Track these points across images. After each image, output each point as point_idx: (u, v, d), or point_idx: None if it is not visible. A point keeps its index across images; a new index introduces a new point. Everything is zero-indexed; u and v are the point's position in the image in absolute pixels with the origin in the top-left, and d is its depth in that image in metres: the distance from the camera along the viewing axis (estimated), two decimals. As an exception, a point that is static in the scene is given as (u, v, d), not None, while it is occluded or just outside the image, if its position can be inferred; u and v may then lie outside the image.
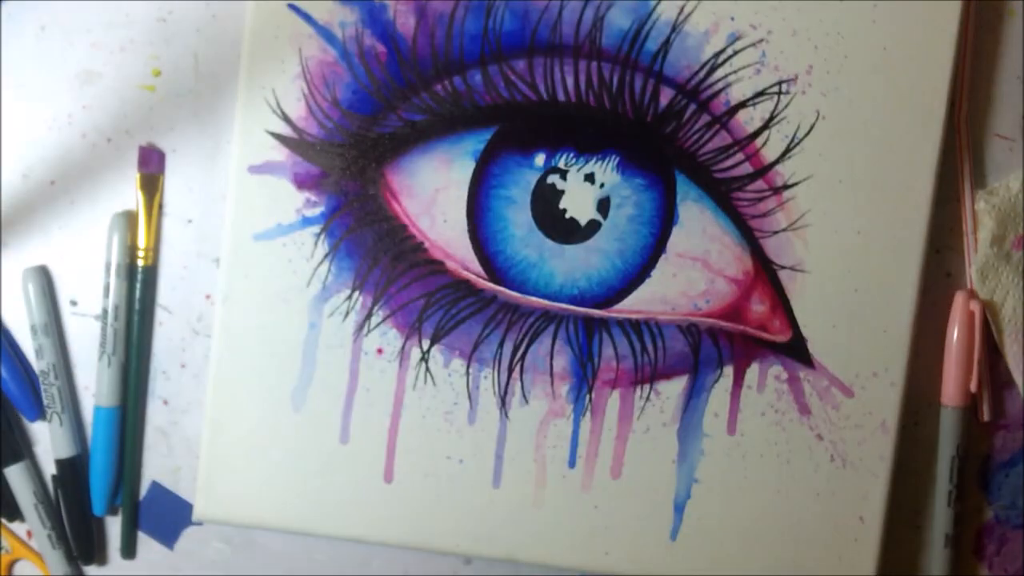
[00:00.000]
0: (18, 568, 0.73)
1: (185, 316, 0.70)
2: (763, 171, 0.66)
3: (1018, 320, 0.69)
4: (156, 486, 0.72)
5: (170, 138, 0.69)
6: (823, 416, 0.68)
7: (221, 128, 0.69)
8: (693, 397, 0.68)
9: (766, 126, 0.66)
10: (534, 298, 0.67)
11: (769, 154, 0.66)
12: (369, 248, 0.67)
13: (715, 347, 0.68)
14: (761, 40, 0.66)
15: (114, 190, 0.70)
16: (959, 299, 0.69)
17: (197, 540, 0.73)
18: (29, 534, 0.72)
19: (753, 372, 0.68)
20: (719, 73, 0.66)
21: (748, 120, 0.66)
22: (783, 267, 0.67)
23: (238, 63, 0.67)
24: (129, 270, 0.69)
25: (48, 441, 0.71)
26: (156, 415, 0.71)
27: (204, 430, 0.69)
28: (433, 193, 0.67)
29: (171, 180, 0.70)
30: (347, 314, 0.68)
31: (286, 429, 0.68)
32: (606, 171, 0.67)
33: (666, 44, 0.66)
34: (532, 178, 0.67)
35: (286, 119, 0.67)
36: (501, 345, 0.68)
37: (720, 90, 0.66)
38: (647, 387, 0.68)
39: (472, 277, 0.67)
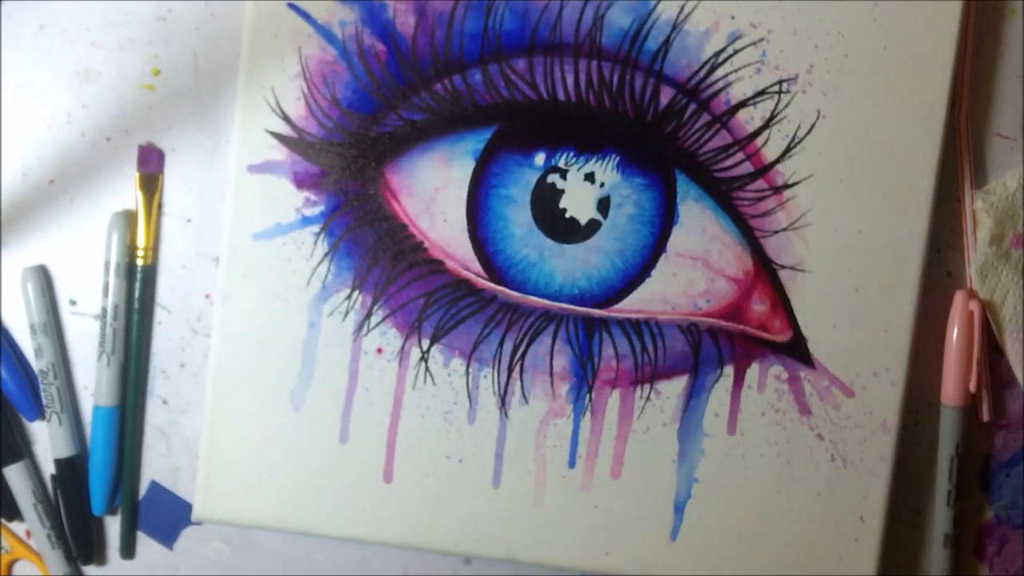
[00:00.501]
0: (18, 568, 0.73)
1: (184, 315, 0.70)
2: (763, 170, 0.66)
3: (1018, 319, 0.69)
4: (155, 486, 0.72)
5: (169, 137, 0.69)
6: (823, 416, 0.68)
7: (220, 127, 0.69)
8: (693, 397, 0.68)
9: (766, 125, 0.66)
10: (534, 298, 0.67)
11: (769, 153, 0.66)
12: (369, 247, 0.67)
13: (715, 347, 0.68)
14: (761, 39, 0.66)
15: (113, 189, 0.69)
16: (959, 298, 0.69)
17: (196, 540, 0.73)
18: (28, 534, 0.72)
19: (753, 372, 0.68)
20: (719, 72, 0.66)
21: (748, 119, 0.66)
22: (783, 267, 0.67)
23: (238, 62, 0.67)
24: (128, 269, 0.69)
25: (47, 441, 0.71)
26: (155, 415, 0.71)
27: (203, 430, 0.69)
28: (433, 192, 0.67)
29: (170, 179, 0.70)
30: (347, 313, 0.68)
31: (285, 429, 0.68)
32: (606, 170, 0.67)
33: (666, 43, 0.66)
34: (532, 177, 0.67)
35: (286, 118, 0.67)
36: (501, 345, 0.68)
37: (720, 89, 0.66)
38: (647, 387, 0.68)
39: (472, 276, 0.67)
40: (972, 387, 0.69)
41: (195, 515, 0.69)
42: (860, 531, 0.69)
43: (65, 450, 0.70)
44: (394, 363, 0.68)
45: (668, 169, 0.66)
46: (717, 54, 0.66)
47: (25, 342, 0.71)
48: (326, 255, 0.67)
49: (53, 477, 0.71)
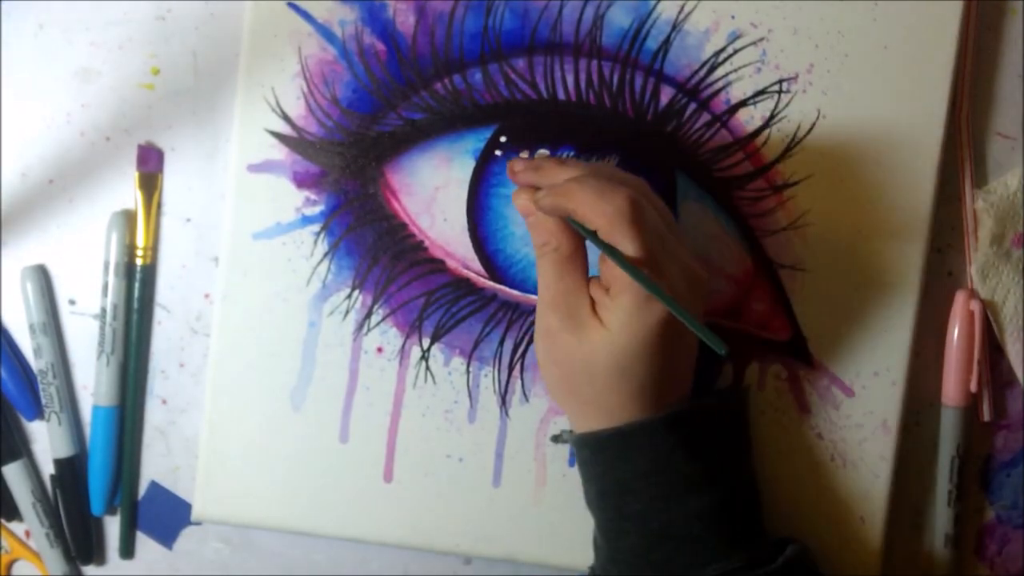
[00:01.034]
0: (17, 568, 0.73)
1: (184, 315, 0.70)
2: (763, 170, 0.66)
3: (1019, 318, 0.69)
4: (155, 486, 0.72)
5: (169, 137, 0.69)
6: (823, 415, 0.68)
7: (220, 127, 0.69)
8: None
9: (766, 125, 0.66)
10: (534, 296, 0.66)
11: (769, 153, 0.66)
12: (369, 247, 0.67)
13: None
14: (762, 39, 0.66)
15: (113, 189, 0.69)
16: (959, 298, 0.69)
17: (196, 540, 0.73)
18: (28, 534, 0.72)
19: (753, 371, 0.68)
20: (719, 72, 0.66)
21: (748, 119, 0.66)
22: (783, 266, 0.67)
23: (237, 62, 0.67)
24: (128, 269, 0.69)
25: (46, 440, 0.71)
26: (155, 414, 0.71)
27: (203, 430, 0.69)
28: (433, 192, 0.67)
29: (170, 179, 0.70)
30: (347, 313, 0.68)
31: (285, 428, 0.68)
32: (606, 170, 0.66)
33: (666, 43, 0.66)
34: (533, 177, 0.67)
35: (285, 118, 0.67)
36: (501, 343, 0.68)
37: (720, 89, 0.66)
38: (647, 386, 0.68)
39: (472, 275, 0.67)
40: (973, 387, 0.69)
41: (195, 515, 0.69)
42: (860, 531, 0.69)
43: (64, 450, 0.70)
44: (394, 362, 0.68)
45: (668, 169, 0.66)
46: (717, 54, 0.66)
47: (24, 342, 0.70)
48: (326, 254, 0.67)
49: (52, 477, 0.71)
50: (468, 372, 0.68)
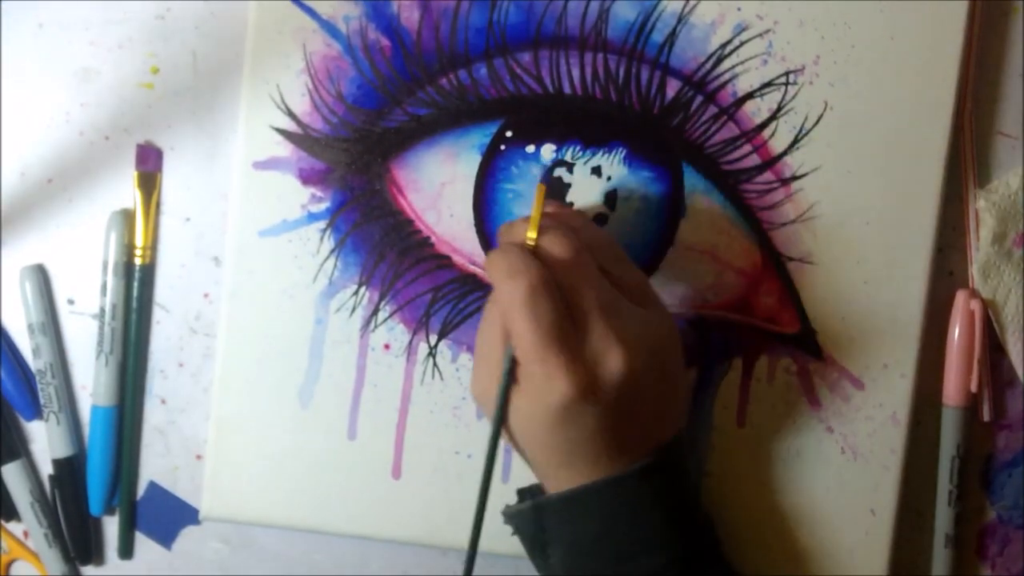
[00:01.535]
0: (16, 568, 0.72)
1: (183, 315, 0.70)
2: (771, 162, 0.67)
3: (1020, 318, 0.70)
4: (154, 486, 0.71)
5: (168, 136, 0.69)
6: (833, 408, 0.68)
7: (220, 126, 0.69)
8: (701, 390, 0.68)
9: (773, 117, 0.66)
10: (541, 291, 0.66)
11: (777, 145, 0.67)
12: (375, 243, 0.67)
13: (724, 340, 0.68)
14: (768, 30, 0.66)
15: (112, 188, 0.69)
16: (960, 298, 0.69)
17: (195, 540, 0.72)
18: (26, 534, 0.72)
19: (762, 364, 0.68)
20: (726, 64, 0.66)
21: (755, 111, 0.66)
22: (792, 259, 0.67)
23: (237, 60, 0.67)
24: (127, 269, 0.69)
25: (45, 440, 0.70)
26: (154, 414, 0.71)
27: (211, 428, 0.68)
28: (439, 187, 0.67)
29: (169, 178, 0.69)
30: (354, 310, 0.67)
31: (293, 426, 0.68)
32: (613, 164, 0.67)
33: (672, 35, 0.66)
34: (538, 171, 0.67)
35: (290, 114, 0.67)
36: (510, 338, 0.67)
37: (727, 81, 0.66)
38: (655, 382, 0.68)
39: (479, 271, 0.67)
40: (973, 387, 0.69)
41: (203, 513, 0.69)
42: (871, 524, 0.69)
43: (63, 450, 0.70)
44: (402, 359, 0.68)
45: (675, 162, 0.66)
46: (723, 46, 0.66)
47: (23, 341, 0.70)
48: (332, 251, 0.67)
49: (51, 477, 0.70)
50: (476, 368, 0.68)
